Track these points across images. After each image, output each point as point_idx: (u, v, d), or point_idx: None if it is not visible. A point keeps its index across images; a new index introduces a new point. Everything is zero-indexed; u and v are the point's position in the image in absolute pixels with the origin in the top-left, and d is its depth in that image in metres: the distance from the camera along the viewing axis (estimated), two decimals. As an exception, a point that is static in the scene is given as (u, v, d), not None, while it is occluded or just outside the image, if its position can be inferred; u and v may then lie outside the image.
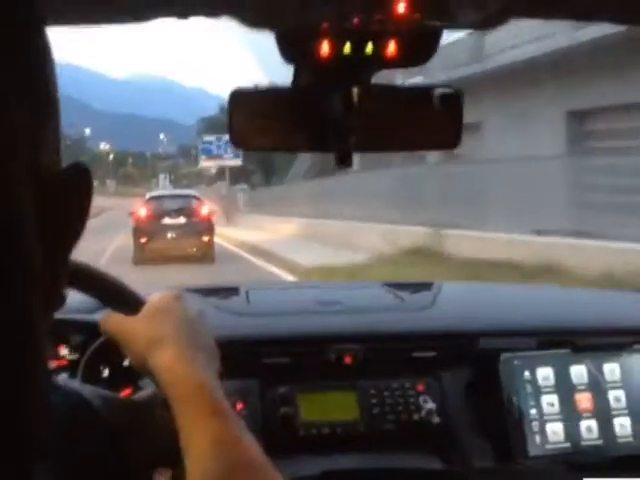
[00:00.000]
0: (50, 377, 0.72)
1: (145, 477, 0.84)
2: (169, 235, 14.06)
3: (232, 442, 0.63)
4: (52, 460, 0.47)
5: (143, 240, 13.66)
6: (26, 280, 0.32)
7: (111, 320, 0.81)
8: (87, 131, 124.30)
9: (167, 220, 14.33)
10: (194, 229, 14.16)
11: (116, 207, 31.47)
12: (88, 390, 0.80)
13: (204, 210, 15.08)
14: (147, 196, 15.93)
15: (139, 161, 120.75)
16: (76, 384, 0.94)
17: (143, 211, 14.55)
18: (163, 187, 39.92)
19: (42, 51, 0.36)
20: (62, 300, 0.38)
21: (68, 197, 0.36)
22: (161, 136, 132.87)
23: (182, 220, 14.44)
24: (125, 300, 0.88)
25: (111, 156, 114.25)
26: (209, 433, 0.63)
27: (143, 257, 13.28)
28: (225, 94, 0.95)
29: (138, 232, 13.80)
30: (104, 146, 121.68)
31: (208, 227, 14.48)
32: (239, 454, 0.62)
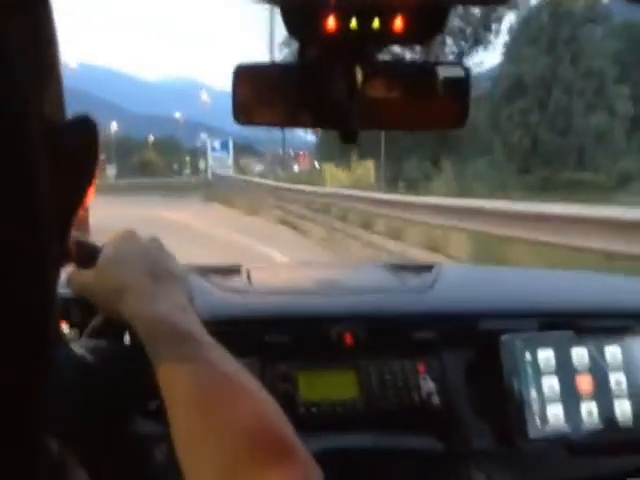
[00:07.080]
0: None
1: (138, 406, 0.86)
2: None
3: (202, 366, 0.65)
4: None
5: None
6: (44, 232, 0.32)
7: (74, 278, 0.81)
8: (113, 125, 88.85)
9: None
10: None
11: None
12: (76, 345, 0.81)
13: None
14: None
15: (166, 146, 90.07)
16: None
17: None
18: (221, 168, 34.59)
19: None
20: (68, 257, 0.38)
21: (73, 151, 0.35)
22: (202, 135, 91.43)
23: None
24: (81, 253, 0.87)
25: (114, 126, 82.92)
26: (177, 366, 0.65)
27: None
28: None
29: None
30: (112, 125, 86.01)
31: None
32: (210, 376, 0.64)
